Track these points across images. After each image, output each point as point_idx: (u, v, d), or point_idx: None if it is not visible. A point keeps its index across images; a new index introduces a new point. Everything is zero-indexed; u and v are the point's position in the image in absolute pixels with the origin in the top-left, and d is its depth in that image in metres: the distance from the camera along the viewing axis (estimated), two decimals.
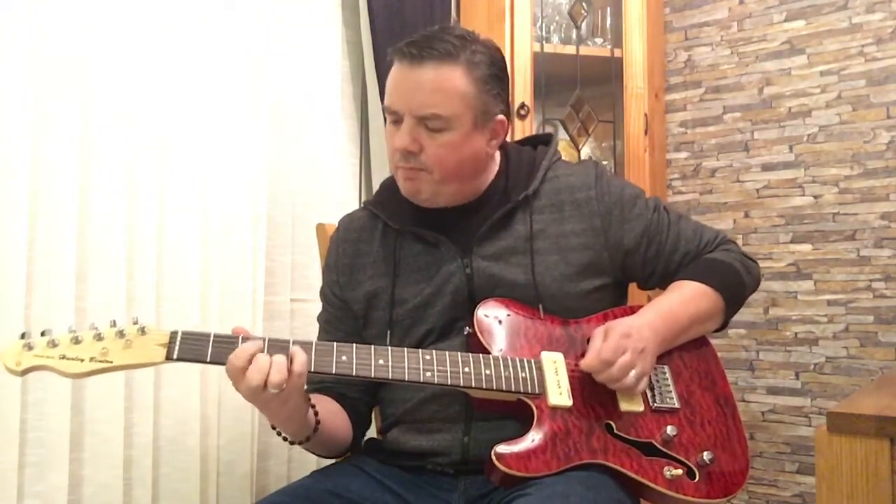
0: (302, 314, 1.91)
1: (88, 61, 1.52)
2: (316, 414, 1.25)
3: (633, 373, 1.21)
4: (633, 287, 1.46)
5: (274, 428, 1.26)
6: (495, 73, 1.31)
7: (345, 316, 1.43)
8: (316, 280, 1.51)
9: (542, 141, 1.47)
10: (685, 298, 1.34)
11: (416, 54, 1.25)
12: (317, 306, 1.51)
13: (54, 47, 1.47)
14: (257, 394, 1.11)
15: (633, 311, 1.35)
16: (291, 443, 1.27)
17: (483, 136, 1.32)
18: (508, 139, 1.42)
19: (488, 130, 1.32)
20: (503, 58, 1.35)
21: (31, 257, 1.43)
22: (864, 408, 1.20)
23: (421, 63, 1.25)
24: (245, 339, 1.14)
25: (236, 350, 1.11)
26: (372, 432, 1.58)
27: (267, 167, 1.86)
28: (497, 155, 1.41)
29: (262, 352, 1.12)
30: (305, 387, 1.21)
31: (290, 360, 1.12)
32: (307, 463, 1.87)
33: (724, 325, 1.42)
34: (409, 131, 1.27)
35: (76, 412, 1.48)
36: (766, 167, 2.39)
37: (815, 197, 2.31)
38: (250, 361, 1.11)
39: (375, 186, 2.07)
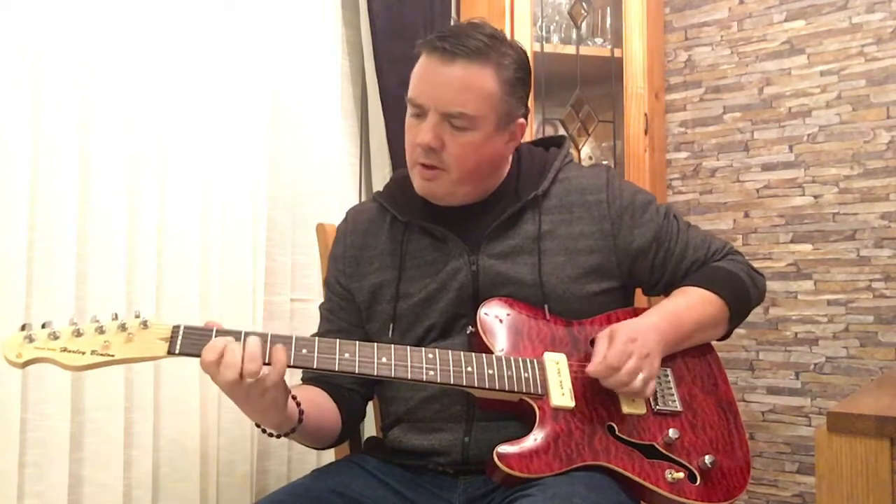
0: (302, 314, 1.90)
1: (88, 61, 1.52)
2: (299, 405, 1.23)
3: (640, 377, 1.20)
4: (638, 292, 1.46)
5: (258, 426, 1.23)
6: (521, 77, 1.31)
7: (348, 306, 1.43)
8: (316, 280, 1.51)
9: (554, 143, 1.47)
10: (690, 303, 1.34)
11: (448, 50, 1.24)
12: (317, 306, 1.51)
13: (54, 47, 1.46)
14: (234, 386, 1.09)
15: (636, 313, 1.35)
16: (277, 436, 1.24)
17: (503, 138, 1.32)
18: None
19: (508, 132, 1.32)
20: (528, 61, 1.35)
21: (31, 257, 1.43)
22: (864, 408, 1.20)
23: (452, 59, 1.24)
24: (248, 334, 1.13)
25: (207, 345, 1.09)
26: (372, 430, 1.58)
27: (267, 167, 1.85)
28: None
29: (237, 340, 1.10)
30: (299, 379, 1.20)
31: (269, 354, 1.10)
32: (307, 463, 1.87)
33: (727, 335, 1.42)
34: (433, 127, 1.26)
35: (76, 412, 1.47)
36: (766, 167, 2.39)
37: (815, 197, 2.31)
38: (221, 354, 1.08)
39: (375, 186, 2.07)
